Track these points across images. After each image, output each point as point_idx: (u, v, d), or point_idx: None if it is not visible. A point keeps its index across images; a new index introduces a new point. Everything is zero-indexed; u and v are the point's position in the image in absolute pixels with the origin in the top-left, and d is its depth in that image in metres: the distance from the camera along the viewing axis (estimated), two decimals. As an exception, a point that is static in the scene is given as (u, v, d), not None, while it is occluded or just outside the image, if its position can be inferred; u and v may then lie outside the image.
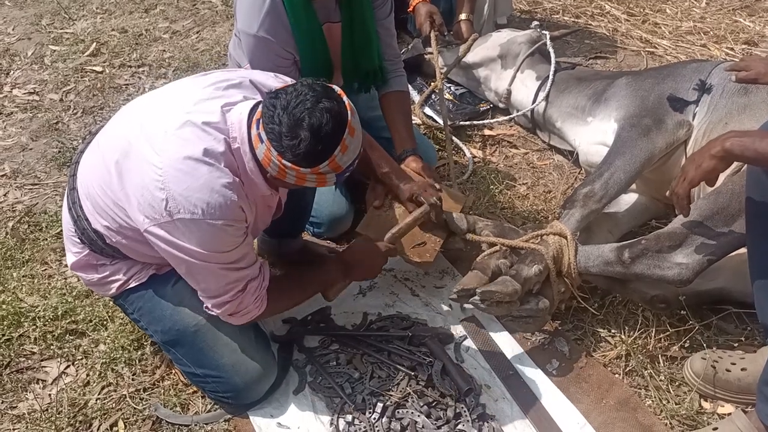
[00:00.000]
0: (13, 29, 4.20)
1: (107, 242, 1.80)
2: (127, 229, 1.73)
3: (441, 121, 2.99)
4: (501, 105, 3.12)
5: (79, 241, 1.87)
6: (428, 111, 3.11)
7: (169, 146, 1.61)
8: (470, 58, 3.15)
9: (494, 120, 3.08)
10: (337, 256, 2.11)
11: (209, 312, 1.80)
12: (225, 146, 1.62)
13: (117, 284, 1.90)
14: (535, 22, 3.14)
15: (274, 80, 1.81)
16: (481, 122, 3.07)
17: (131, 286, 1.90)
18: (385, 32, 2.42)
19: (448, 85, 3.28)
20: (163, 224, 1.61)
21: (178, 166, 1.58)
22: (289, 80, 1.83)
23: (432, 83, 3.15)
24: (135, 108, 1.80)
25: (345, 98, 1.59)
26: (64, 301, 2.24)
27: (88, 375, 2.05)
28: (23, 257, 2.47)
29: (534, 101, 2.89)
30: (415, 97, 3.19)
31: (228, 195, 1.60)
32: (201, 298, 1.79)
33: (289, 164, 1.55)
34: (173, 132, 1.62)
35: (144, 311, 1.91)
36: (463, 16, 3.30)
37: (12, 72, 3.73)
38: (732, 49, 3.55)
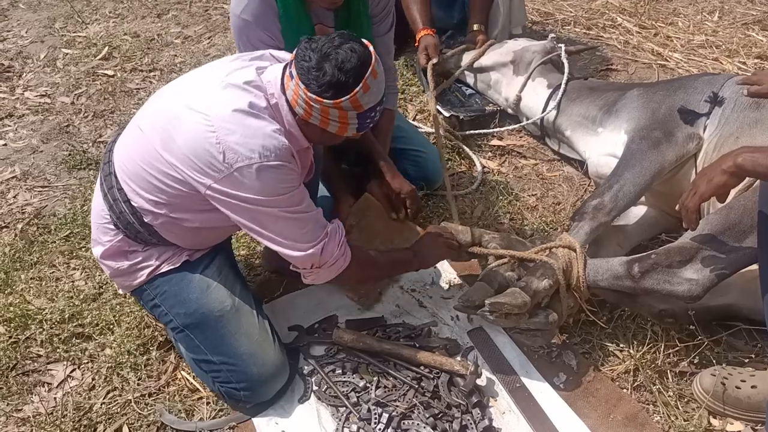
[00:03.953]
0: (26, 32, 4.23)
1: (145, 221, 1.83)
2: (178, 197, 1.77)
3: (447, 114, 3.07)
4: (510, 111, 3.12)
5: (113, 227, 1.89)
6: (437, 106, 3.13)
7: (214, 105, 1.69)
8: (483, 61, 3.17)
9: (504, 129, 3.08)
10: (411, 247, 2.16)
11: (296, 270, 1.87)
12: (265, 101, 1.72)
13: (148, 270, 1.93)
14: (552, 35, 3.14)
15: (290, 56, 1.85)
16: (491, 131, 3.07)
17: (162, 270, 1.93)
18: (384, 48, 2.43)
19: (459, 85, 3.30)
20: (224, 179, 1.68)
21: (229, 119, 1.67)
22: None
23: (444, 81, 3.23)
24: (169, 90, 1.86)
25: (371, 48, 1.68)
26: (71, 304, 2.25)
27: (93, 379, 2.06)
28: (31, 259, 2.47)
29: (544, 109, 2.89)
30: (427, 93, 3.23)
31: (279, 138, 1.69)
32: (284, 256, 1.81)
33: (313, 96, 1.64)
34: (216, 94, 1.71)
35: (169, 294, 1.93)
36: (475, 27, 3.32)
37: (24, 74, 3.76)
38: (744, 63, 3.54)
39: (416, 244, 2.15)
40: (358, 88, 1.63)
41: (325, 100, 1.64)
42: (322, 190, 2.36)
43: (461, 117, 3.09)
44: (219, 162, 1.66)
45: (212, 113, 1.68)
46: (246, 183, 1.68)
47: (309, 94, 1.64)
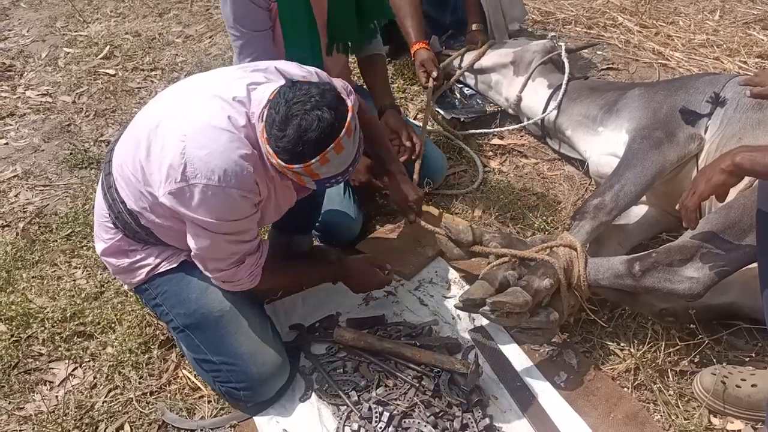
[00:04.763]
0: (27, 31, 4.23)
1: (141, 223, 1.83)
2: (158, 206, 1.76)
3: (448, 117, 3.08)
4: (511, 111, 3.12)
5: (112, 226, 1.90)
6: (435, 108, 3.12)
7: (195, 116, 1.68)
8: (483, 62, 3.17)
9: (505, 129, 3.08)
10: (338, 262, 2.16)
11: (205, 273, 1.86)
12: (246, 119, 1.69)
13: (147, 269, 1.93)
14: (552, 33, 3.14)
15: (297, 69, 1.85)
16: (492, 130, 3.07)
17: (161, 270, 1.93)
18: None
19: (459, 86, 3.30)
20: (176, 191, 1.66)
21: (202, 133, 1.66)
22: (312, 70, 1.88)
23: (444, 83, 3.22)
24: (168, 93, 1.86)
25: (350, 116, 1.62)
26: (72, 303, 2.25)
27: (95, 377, 2.06)
28: (33, 258, 2.48)
29: (544, 109, 2.88)
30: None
31: (245, 166, 1.65)
32: (196, 259, 1.83)
33: (271, 151, 1.62)
34: (201, 104, 1.70)
35: (169, 294, 1.93)
36: (474, 27, 3.31)
37: (26, 73, 3.76)
38: (745, 62, 3.53)
39: (348, 263, 2.13)
40: (314, 161, 1.59)
41: (279, 160, 1.61)
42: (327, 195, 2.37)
43: (462, 119, 3.09)
44: (178, 172, 1.64)
45: (189, 123, 1.67)
46: (196, 200, 1.66)
47: (268, 147, 1.62)
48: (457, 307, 2.09)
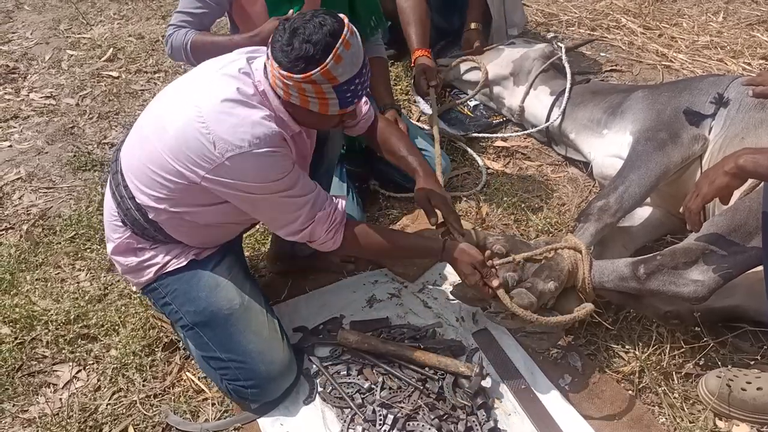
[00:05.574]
0: (31, 33, 4.24)
1: (150, 218, 1.85)
2: (177, 191, 1.78)
3: (456, 133, 3.04)
4: (515, 121, 3.11)
5: (121, 224, 1.92)
6: (442, 125, 3.09)
7: (205, 95, 1.72)
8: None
9: (508, 135, 3.07)
10: (442, 243, 2.02)
11: (287, 239, 1.89)
12: (253, 88, 1.74)
13: (156, 267, 1.94)
14: (551, 35, 3.12)
15: None
16: (497, 135, 3.06)
17: (169, 269, 1.94)
18: None
19: (463, 97, 3.28)
20: (216, 168, 1.69)
21: (217, 109, 1.69)
22: None
23: (448, 97, 3.22)
24: (171, 87, 1.88)
25: (347, 21, 1.65)
26: (76, 305, 2.26)
27: (99, 380, 2.06)
28: (37, 260, 2.48)
29: (548, 117, 2.88)
30: (426, 109, 3.17)
31: (268, 125, 1.70)
32: (275, 231, 1.90)
33: (285, 73, 1.63)
34: (208, 85, 1.74)
35: (179, 292, 1.94)
36: (472, 26, 3.30)
37: (29, 76, 3.76)
38: (749, 63, 3.53)
39: (451, 249, 1.97)
40: (328, 59, 1.60)
41: (295, 75, 1.62)
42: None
43: (470, 134, 3.07)
44: (210, 152, 1.68)
45: (203, 103, 1.70)
46: (238, 171, 1.70)
47: (281, 71, 1.63)
48: (452, 293, 2.09)
